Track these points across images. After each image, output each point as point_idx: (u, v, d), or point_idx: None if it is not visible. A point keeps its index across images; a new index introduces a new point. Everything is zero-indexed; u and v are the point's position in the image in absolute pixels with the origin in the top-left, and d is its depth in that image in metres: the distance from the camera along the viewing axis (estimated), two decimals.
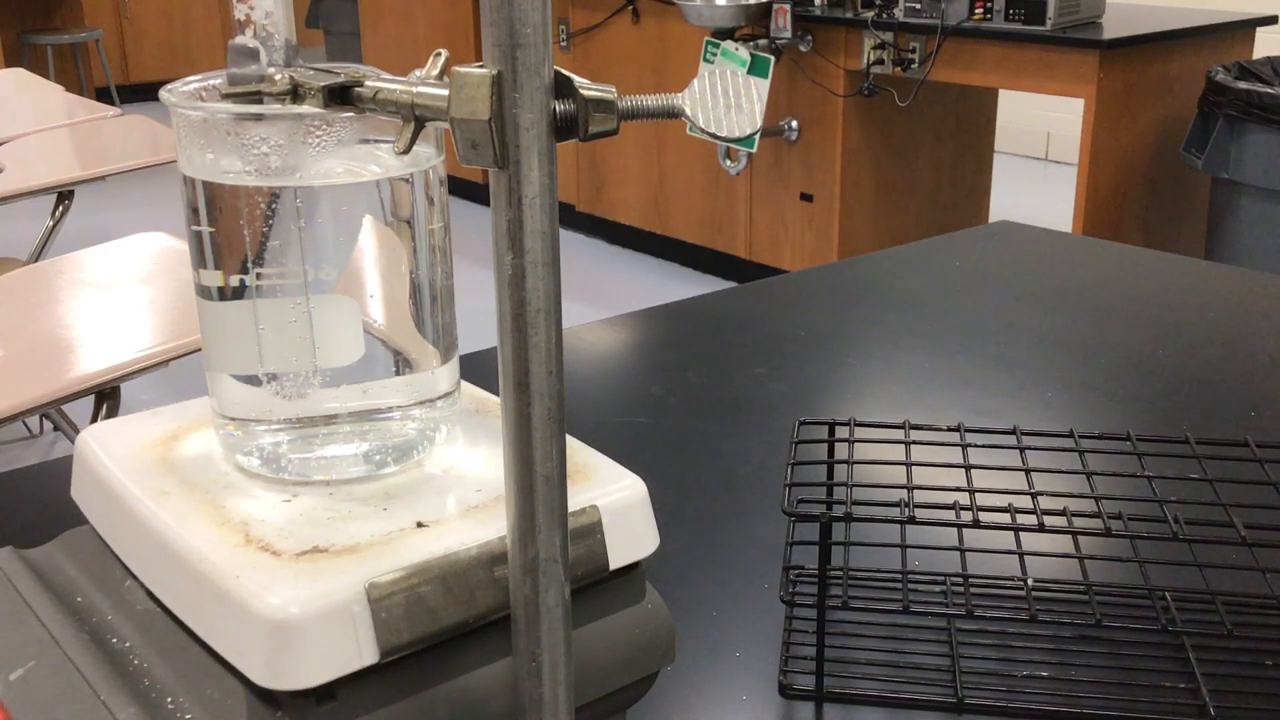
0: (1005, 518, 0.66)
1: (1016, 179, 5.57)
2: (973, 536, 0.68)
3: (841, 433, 0.75)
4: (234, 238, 0.53)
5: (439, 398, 0.58)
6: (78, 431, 0.86)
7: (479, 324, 0.88)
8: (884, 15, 3.54)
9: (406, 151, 0.46)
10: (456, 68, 0.43)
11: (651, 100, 0.45)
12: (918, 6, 3.47)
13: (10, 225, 3.13)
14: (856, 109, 3.76)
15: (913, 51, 3.52)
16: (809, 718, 0.66)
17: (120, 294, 1.95)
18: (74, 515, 0.59)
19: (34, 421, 2.91)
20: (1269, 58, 3.55)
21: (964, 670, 0.69)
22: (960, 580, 0.74)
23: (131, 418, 0.61)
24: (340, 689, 0.48)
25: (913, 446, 0.72)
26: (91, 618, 0.55)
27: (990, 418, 1.01)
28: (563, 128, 0.43)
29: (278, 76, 0.51)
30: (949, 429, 0.75)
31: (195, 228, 0.54)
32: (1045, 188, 5.63)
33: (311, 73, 0.51)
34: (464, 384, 0.62)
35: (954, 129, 4.04)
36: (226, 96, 0.52)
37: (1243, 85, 3.13)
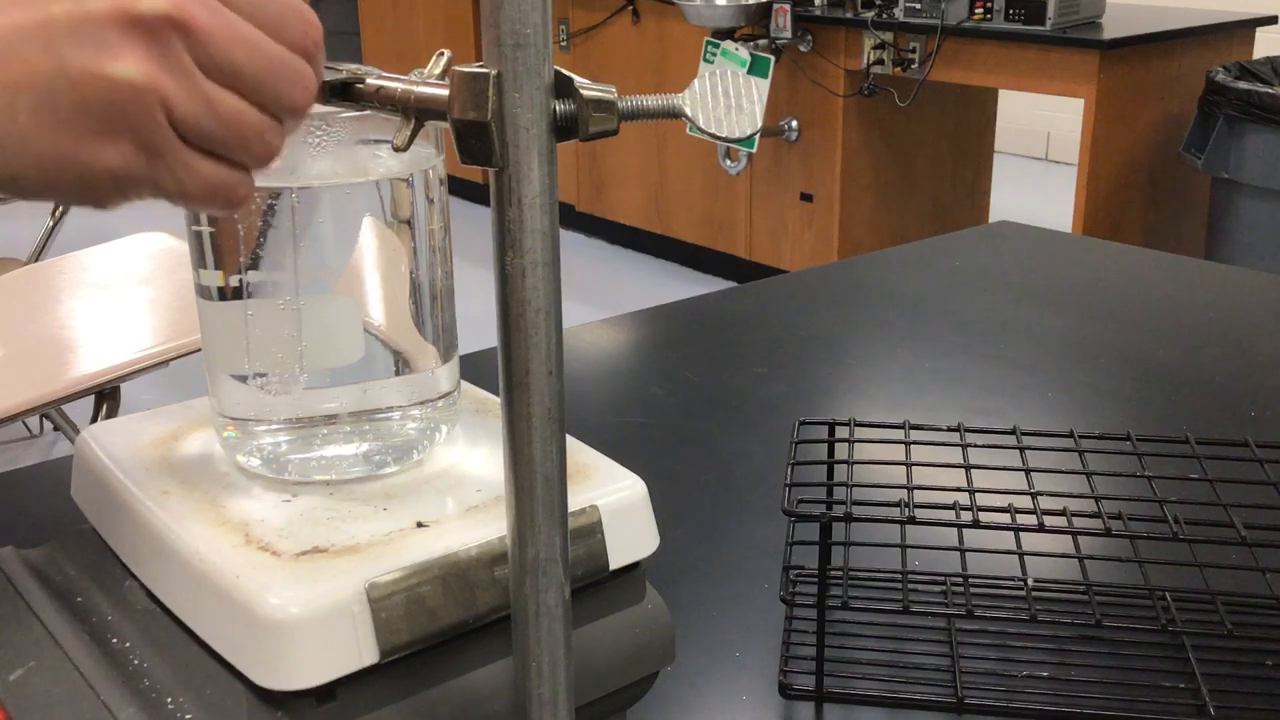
0: (1005, 518, 0.66)
1: (1016, 179, 5.57)
2: (973, 536, 0.68)
3: (841, 433, 0.75)
4: (234, 238, 0.53)
5: (439, 398, 0.58)
6: (78, 431, 0.86)
7: (479, 324, 0.88)
8: (884, 15, 3.53)
9: (405, 148, 0.46)
10: (456, 67, 0.43)
11: (651, 100, 0.45)
12: (918, 6, 3.47)
13: (10, 225, 3.14)
14: (856, 109, 3.76)
15: (913, 51, 3.52)
16: (809, 718, 0.66)
17: (120, 294, 1.95)
18: (74, 515, 0.59)
19: (34, 421, 2.90)
20: (1269, 58, 3.55)
21: (964, 670, 0.69)
22: (960, 580, 0.74)
23: (131, 418, 0.61)
24: (340, 689, 0.48)
25: (913, 446, 0.72)
26: (91, 618, 0.55)
27: (990, 418, 1.01)
28: (563, 128, 0.43)
29: None
30: (949, 429, 0.75)
31: (195, 228, 0.54)
32: (1045, 188, 5.63)
33: None
34: (464, 384, 0.62)
35: (954, 129, 4.04)
36: None
37: (1243, 85, 3.12)
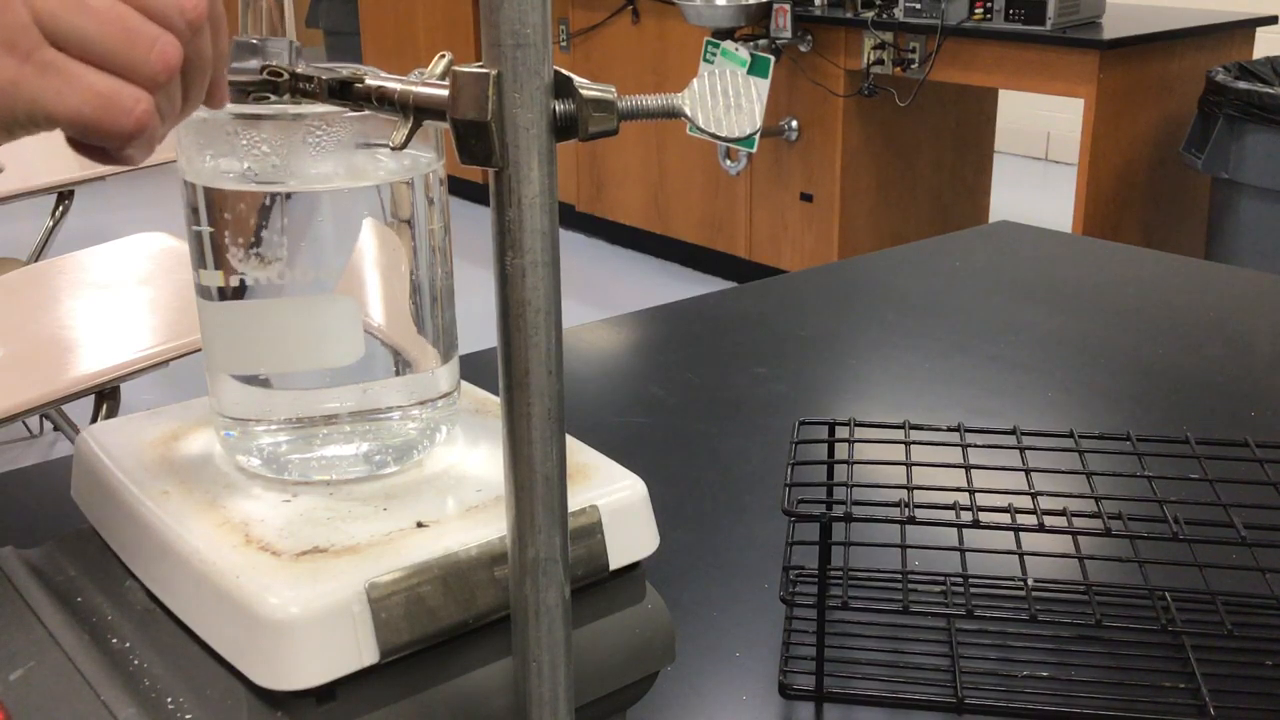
0: (1005, 518, 0.66)
1: (1016, 179, 5.57)
2: (973, 536, 0.68)
3: (841, 433, 0.75)
4: (234, 238, 0.53)
5: (439, 398, 0.58)
6: (78, 431, 0.86)
7: (479, 324, 0.88)
8: (884, 15, 3.53)
9: (402, 148, 0.46)
10: (456, 68, 0.43)
11: (651, 100, 0.45)
12: (918, 6, 3.47)
13: (10, 225, 3.14)
14: (856, 109, 3.76)
15: (913, 51, 3.52)
16: (809, 718, 0.66)
17: (120, 294, 1.95)
18: (74, 515, 0.59)
19: (34, 421, 2.90)
20: (1269, 58, 3.55)
21: (964, 670, 0.69)
22: (960, 580, 0.74)
23: (131, 418, 0.61)
24: (340, 689, 0.48)
25: (913, 446, 0.72)
26: (91, 618, 0.55)
27: (990, 418, 1.01)
28: (562, 128, 0.43)
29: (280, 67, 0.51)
30: (949, 429, 0.75)
31: (195, 228, 0.54)
32: (1045, 188, 5.63)
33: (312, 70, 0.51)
34: (464, 384, 0.62)
35: (954, 129, 4.04)
36: (234, 85, 0.52)
37: (1243, 85, 3.13)
